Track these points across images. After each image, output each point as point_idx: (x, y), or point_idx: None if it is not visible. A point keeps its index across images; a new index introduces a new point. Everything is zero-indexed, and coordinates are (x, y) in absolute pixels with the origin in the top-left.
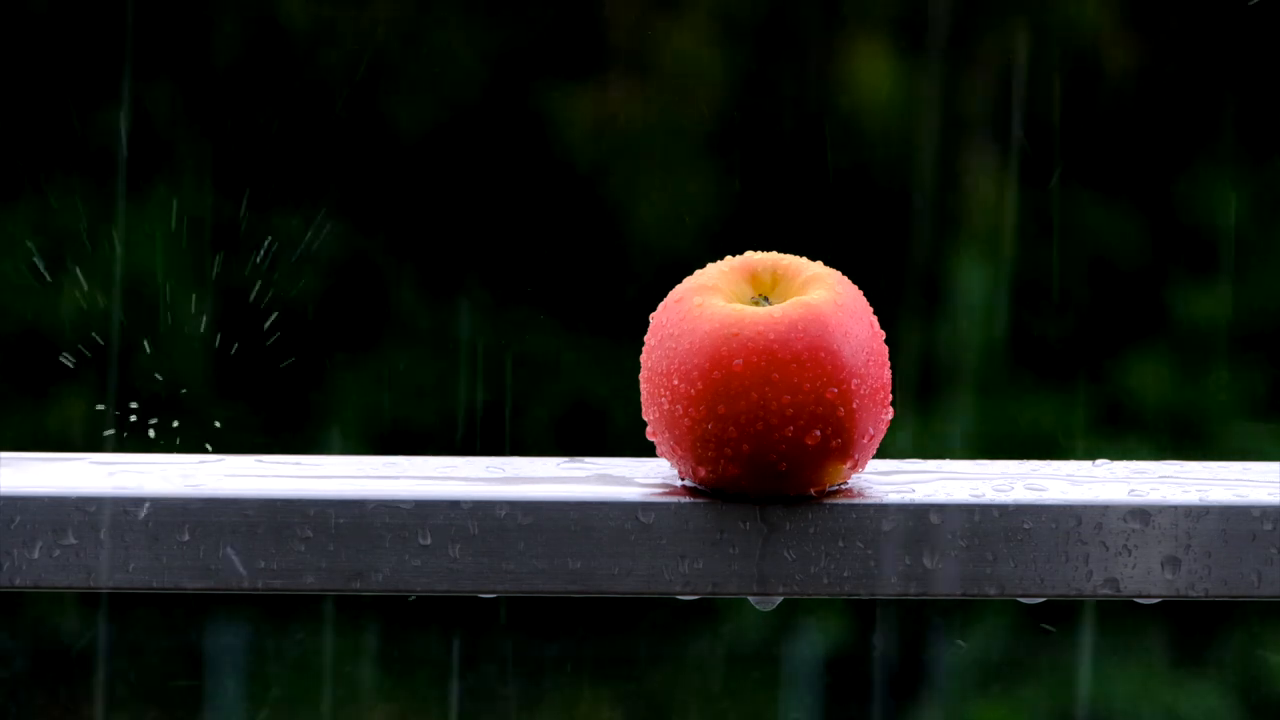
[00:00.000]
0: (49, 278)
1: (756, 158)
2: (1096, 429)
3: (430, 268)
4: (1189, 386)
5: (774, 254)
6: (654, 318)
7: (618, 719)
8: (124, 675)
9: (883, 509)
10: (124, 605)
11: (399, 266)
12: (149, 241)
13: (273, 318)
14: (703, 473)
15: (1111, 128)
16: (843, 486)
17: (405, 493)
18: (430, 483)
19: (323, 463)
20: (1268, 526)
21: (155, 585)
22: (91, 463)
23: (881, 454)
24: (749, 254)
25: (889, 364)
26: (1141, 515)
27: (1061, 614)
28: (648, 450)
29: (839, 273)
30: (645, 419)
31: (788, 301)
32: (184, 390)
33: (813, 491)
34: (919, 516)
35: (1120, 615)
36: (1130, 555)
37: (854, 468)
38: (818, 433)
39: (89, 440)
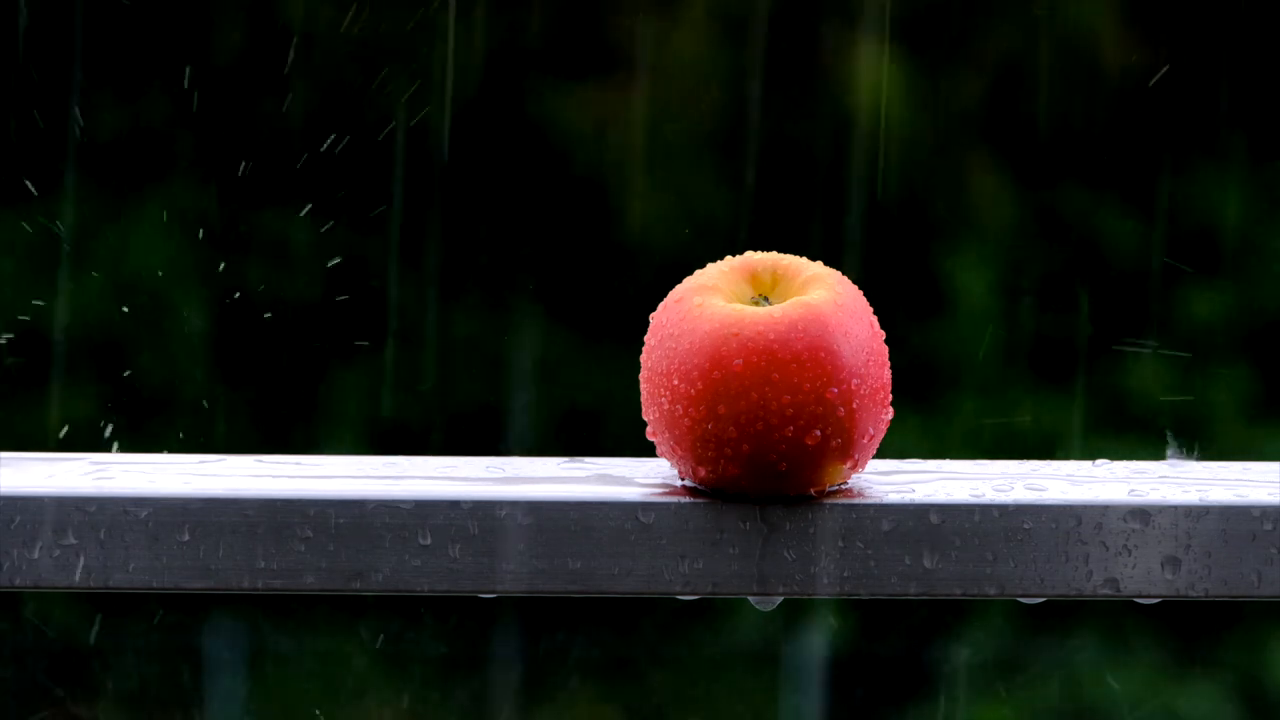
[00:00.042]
0: (49, 277)
1: (756, 158)
2: (1096, 429)
3: (430, 268)
4: (1189, 386)
5: (774, 254)
6: (654, 318)
7: (618, 719)
8: (124, 675)
9: (883, 509)
10: (124, 605)
11: (399, 266)
12: (149, 241)
13: (272, 317)
14: (703, 473)
15: (1111, 128)
16: (843, 486)
17: (405, 493)
18: (430, 483)
19: (323, 463)
20: (1268, 526)
21: (155, 585)
22: (91, 463)
23: (881, 454)
24: (749, 254)
25: (889, 364)
26: (1141, 515)
27: (1062, 614)
28: (647, 450)
29: (839, 273)
30: (645, 419)
31: (788, 301)
32: (184, 390)
33: (813, 491)
34: (919, 516)
35: (1120, 615)
36: (1130, 555)
37: (854, 468)
38: (818, 433)
39: (89, 440)
